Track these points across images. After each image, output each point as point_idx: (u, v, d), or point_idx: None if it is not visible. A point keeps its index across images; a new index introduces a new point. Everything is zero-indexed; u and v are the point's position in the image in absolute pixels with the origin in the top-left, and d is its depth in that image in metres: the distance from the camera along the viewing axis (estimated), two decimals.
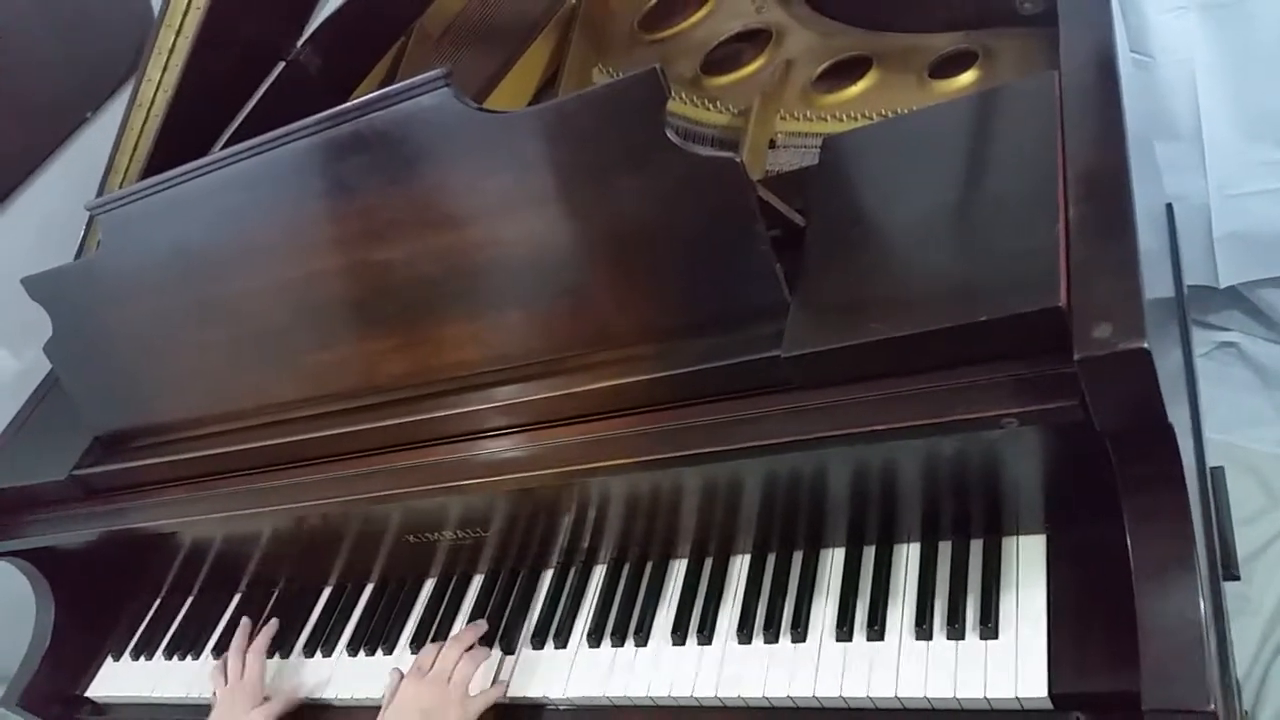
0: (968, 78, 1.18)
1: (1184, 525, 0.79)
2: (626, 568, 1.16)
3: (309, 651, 1.31)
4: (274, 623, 1.32)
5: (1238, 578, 0.98)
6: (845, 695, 0.95)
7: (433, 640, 1.22)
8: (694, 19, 1.44)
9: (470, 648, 1.14)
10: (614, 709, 1.08)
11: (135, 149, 1.34)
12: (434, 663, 1.11)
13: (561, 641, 1.14)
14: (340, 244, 1.05)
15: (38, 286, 1.24)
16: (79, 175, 1.59)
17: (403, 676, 1.13)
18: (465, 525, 1.19)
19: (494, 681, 1.13)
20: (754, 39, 1.38)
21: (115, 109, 1.76)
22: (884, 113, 1.19)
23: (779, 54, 1.34)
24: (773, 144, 1.24)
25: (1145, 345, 0.71)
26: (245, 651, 1.27)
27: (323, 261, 1.07)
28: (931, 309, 0.84)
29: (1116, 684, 0.82)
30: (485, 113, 0.96)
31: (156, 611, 1.50)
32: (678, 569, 1.13)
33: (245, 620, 1.34)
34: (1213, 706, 0.73)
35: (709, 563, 1.12)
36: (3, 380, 1.61)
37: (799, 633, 1.01)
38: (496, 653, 1.16)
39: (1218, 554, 0.95)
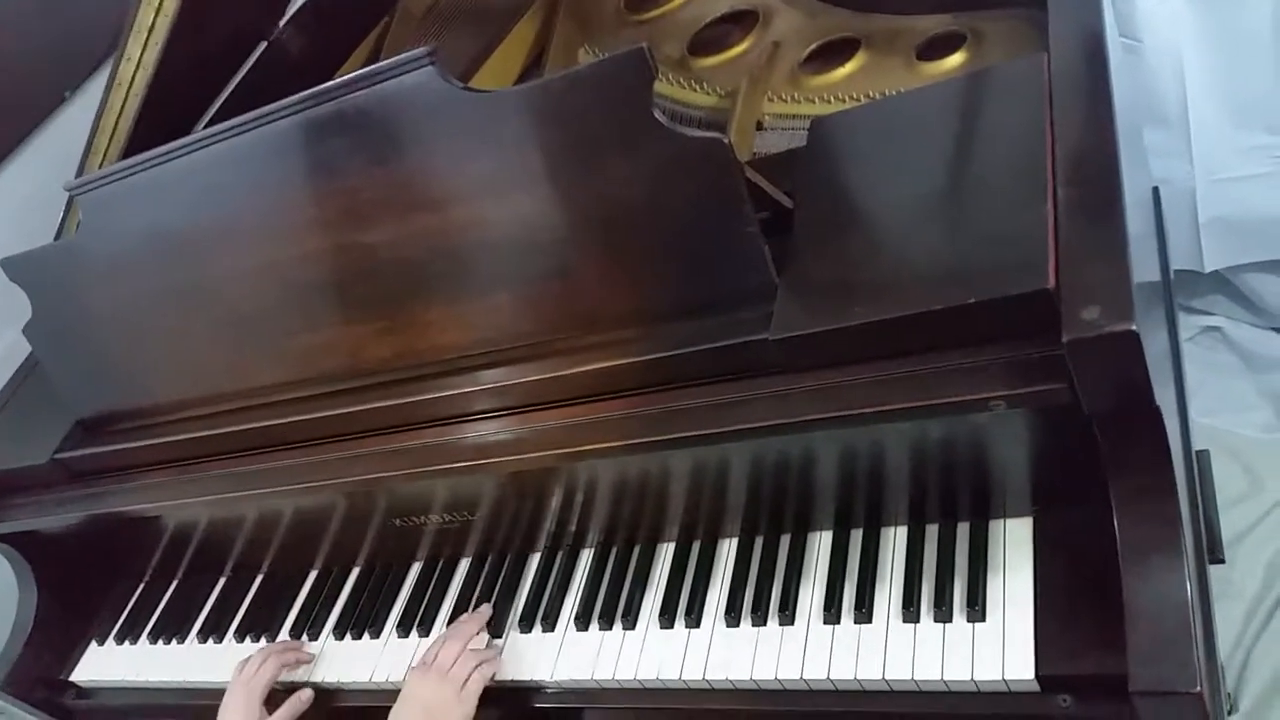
0: (956, 60, 1.18)
1: (1171, 508, 0.79)
2: (614, 551, 1.16)
3: (295, 635, 1.30)
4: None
5: (1222, 561, 0.99)
6: (833, 677, 0.95)
7: (419, 625, 1.21)
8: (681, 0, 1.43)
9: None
10: (602, 691, 1.08)
11: (115, 129, 1.32)
12: (437, 656, 1.10)
13: (549, 625, 1.13)
14: (324, 225, 1.04)
15: (16, 268, 1.22)
16: (57, 156, 1.56)
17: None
18: (452, 509, 1.18)
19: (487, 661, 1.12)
20: (741, 20, 1.37)
21: (94, 89, 1.73)
22: (872, 95, 1.18)
23: (766, 35, 1.33)
24: (760, 126, 1.24)
25: (1134, 327, 0.71)
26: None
27: (306, 243, 1.06)
28: (920, 291, 0.84)
29: (1103, 666, 0.82)
30: (470, 92, 0.95)
31: (141, 596, 1.49)
32: (665, 552, 1.13)
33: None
34: (1199, 688, 0.73)
35: (697, 546, 1.11)
36: None
37: (787, 615, 1.01)
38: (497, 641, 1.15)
39: (1203, 537, 0.96)
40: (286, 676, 1.24)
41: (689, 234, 0.93)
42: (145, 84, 1.28)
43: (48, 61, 1.74)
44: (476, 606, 1.19)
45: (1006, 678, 0.88)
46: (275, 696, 1.21)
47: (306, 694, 1.22)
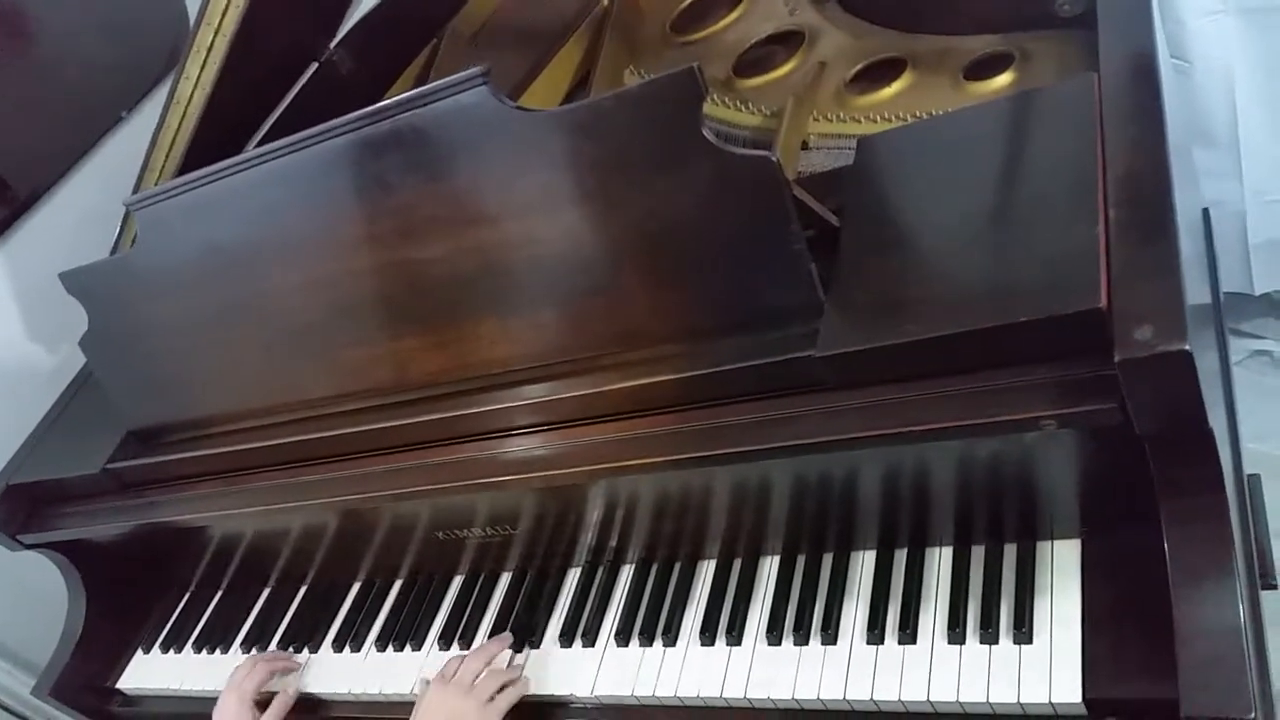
0: (1004, 80, 1.17)
1: (1223, 530, 0.78)
2: (655, 567, 1.16)
3: (337, 646, 1.31)
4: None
5: (1275, 586, 0.97)
6: (877, 698, 0.94)
7: (460, 639, 1.22)
8: (726, 21, 1.44)
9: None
10: (642, 708, 1.08)
11: (172, 146, 1.35)
12: (457, 671, 1.12)
13: (589, 640, 1.14)
14: (375, 241, 1.06)
15: (74, 281, 1.25)
16: (115, 173, 1.60)
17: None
18: (494, 522, 1.19)
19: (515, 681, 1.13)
20: (787, 41, 1.38)
21: (150, 108, 1.78)
22: (919, 114, 1.18)
23: (812, 56, 1.34)
24: (806, 145, 1.24)
25: (1187, 347, 0.71)
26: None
27: (357, 258, 1.08)
28: (969, 309, 0.84)
29: (1153, 690, 0.81)
30: (523, 111, 0.96)
31: (186, 605, 1.51)
32: (706, 569, 1.13)
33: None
34: (1254, 715, 0.72)
35: (738, 563, 1.11)
36: (38, 374, 1.62)
37: (829, 635, 1.00)
38: (519, 659, 1.17)
39: (1255, 562, 0.94)
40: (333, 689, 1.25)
41: (736, 251, 0.93)
42: (202, 102, 1.30)
43: (106, 81, 1.79)
44: (517, 620, 1.20)
45: (1054, 700, 0.87)
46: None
47: (292, 690, 1.27)
